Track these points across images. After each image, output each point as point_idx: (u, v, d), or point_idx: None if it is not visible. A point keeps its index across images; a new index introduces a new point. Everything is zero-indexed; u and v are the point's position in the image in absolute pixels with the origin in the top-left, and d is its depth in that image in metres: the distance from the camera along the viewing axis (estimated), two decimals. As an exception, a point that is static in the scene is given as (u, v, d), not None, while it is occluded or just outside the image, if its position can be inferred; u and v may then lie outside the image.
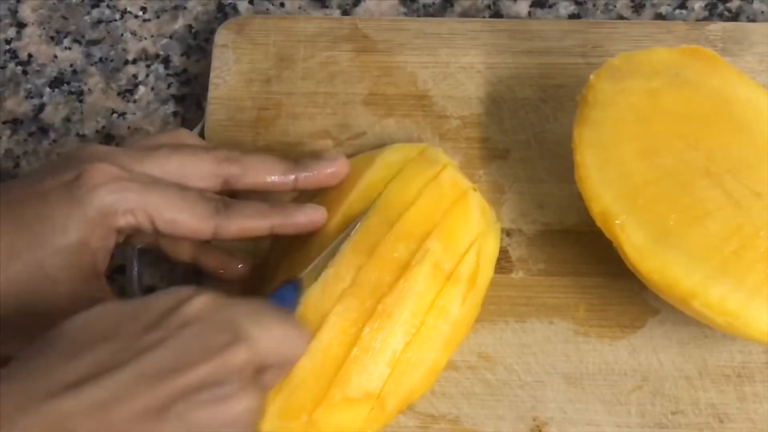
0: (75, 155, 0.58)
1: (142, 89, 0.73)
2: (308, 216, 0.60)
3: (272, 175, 0.61)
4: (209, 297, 0.49)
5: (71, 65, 0.73)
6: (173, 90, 0.73)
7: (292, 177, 0.61)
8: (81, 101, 0.72)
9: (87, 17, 0.75)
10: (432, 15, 0.75)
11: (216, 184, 0.60)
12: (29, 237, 0.55)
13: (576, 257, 0.64)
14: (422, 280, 0.59)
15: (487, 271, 0.62)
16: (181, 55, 0.74)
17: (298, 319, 0.55)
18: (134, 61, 0.74)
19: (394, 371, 0.58)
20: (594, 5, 0.74)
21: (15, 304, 0.55)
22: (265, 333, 0.49)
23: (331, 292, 0.58)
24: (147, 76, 0.73)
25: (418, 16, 0.74)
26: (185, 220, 0.57)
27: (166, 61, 0.74)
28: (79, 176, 0.55)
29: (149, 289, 0.66)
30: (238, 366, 0.47)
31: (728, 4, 0.74)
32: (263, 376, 0.49)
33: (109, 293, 0.57)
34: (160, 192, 0.57)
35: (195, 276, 0.66)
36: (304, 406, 0.57)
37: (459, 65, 0.70)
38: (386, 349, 0.58)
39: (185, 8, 0.76)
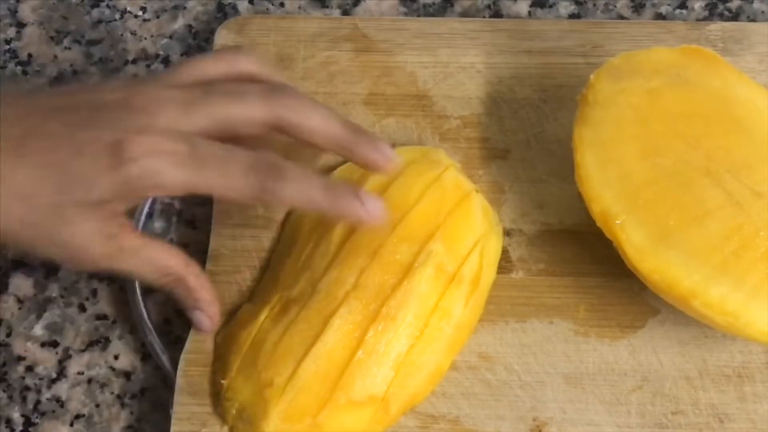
0: (122, 102, 0.55)
1: (142, 89, 0.72)
2: (368, 211, 0.56)
3: (329, 138, 0.57)
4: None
5: (71, 65, 0.73)
6: (173, 90, 0.73)
7: (347, 144, 0.57)
8: (81, 101, 0.72)
9: (87, 17, 0.75)
10: (432, 15, 0.75)
11: (267, 131, 0.57)
12: (54, 188, 0.53)
13: (576, 257, 0.64)
14: (425, 282, 0.59)
15: (490, 272, 0.62)
16: (181, 55, 0.74)
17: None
18: (134, 61, 0.74)
19: (398, 374, 0.58)
20: (594, 5, 0.74)
21: (27, 240, 0.55)
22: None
23: (334, 295, 0.59)
24: (147, 76, 0.73)
25: (418, 16, 0.74)
26: (226, 194, 0.55)
27: (166, 61, 0.74)
28: (120, 144, 0.53)
29: (149, 289, 0.66)
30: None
31: (728, 4, 0.74)
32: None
33: (126, 226, 0.56)
34: (203, 169, 0.54)
35: (195, 276, 0.66)
36: (309, 409, 0.57)
37: (459, 65, 0.70)
38: (390, 352, 0.58)
39: (185, 8, 0.76)
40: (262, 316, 0.60)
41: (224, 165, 0.54)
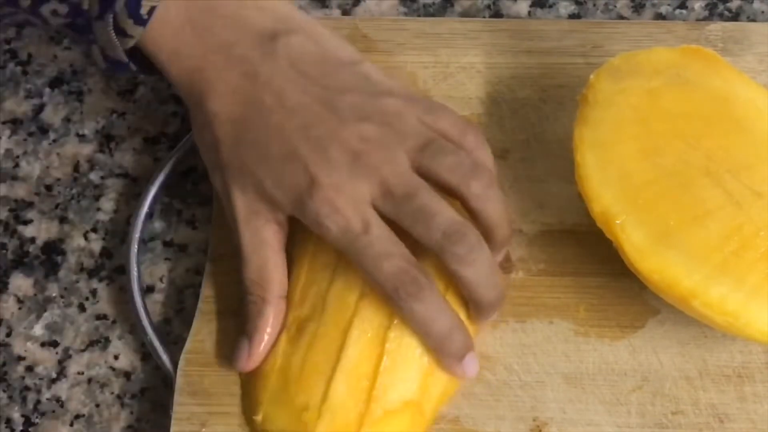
0: (356, 154, 0.58)
1: (141, 89, 0.72)
2: (462, 372, 0.59)
3: (493, 236, 0.60)
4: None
5: (71, 65, 0.73)
6: (173, 90, 0.72)
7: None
8: (81, 101, 0.72)
9: (87, 17, 0.75)
10: (432, 15, 0.74)
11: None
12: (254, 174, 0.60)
13: (576, 257, 0.64)
14: (432, 275, 0.59)
15: None
16: (181, 55, 0.74)
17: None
18: (134, 61, 0.73)
19: (424, 374, 0.58)
20: (594, 5, 0.74)
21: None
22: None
23: (346, 305, 0.59)
24: (147, 76, 0.73)
25: (418, 16, 0.74)
26: (364, 277, 0.58)
27: (166, 61, 0.74)
28: (312, 183, 0.58)
29: (149, 289, 0.66)
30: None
31: (728, 4, 0.74)
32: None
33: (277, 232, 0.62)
34: (358, 251, 0.57)
35: (196, 273, 0.66)
36: (348, 426, 0.57)
37: (459, 65, 0.70)
38: (413, 354, 0.58)
39: (185, 8, 0.75)
40: (282, 341, 0.60)
41: (377, 261, 0.57)
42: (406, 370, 0.58)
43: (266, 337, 0.60)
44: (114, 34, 0.60)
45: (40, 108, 0.72)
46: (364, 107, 0.60)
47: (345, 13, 0.75)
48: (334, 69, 0.62)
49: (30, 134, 0.72)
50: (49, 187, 0.70)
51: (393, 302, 0.57)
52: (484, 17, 0.74)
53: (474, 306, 0.59)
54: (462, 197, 0.59)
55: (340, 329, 0.58)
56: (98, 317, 0.66)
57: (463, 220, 0.58)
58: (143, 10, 0.59)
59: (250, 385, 0.61)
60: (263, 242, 0.60)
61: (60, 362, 0.65)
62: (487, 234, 0.59)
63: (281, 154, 0.59)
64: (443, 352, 0.58)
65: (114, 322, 0.66)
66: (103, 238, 0.68)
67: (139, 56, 0.62)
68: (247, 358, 0.60)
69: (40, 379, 0.65)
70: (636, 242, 0.57)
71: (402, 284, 0.57)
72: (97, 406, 0.64)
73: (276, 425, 0.59)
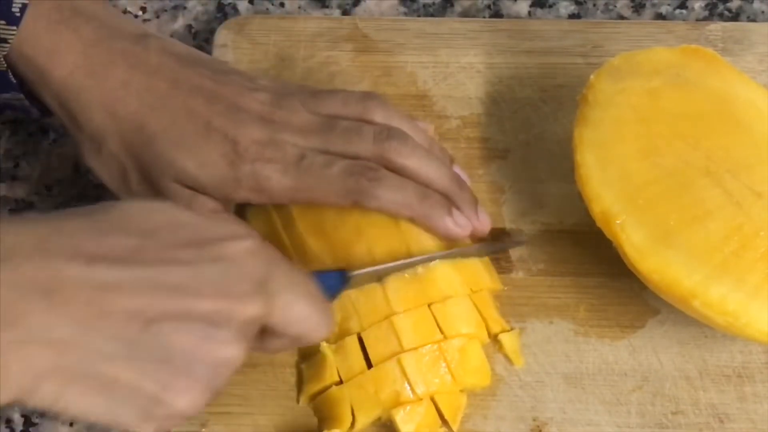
0: (264, 112, 0.59)
1: (142, 89, 0.72)
2: (459, 226, 0.60)
3: (434, 185, 0.60)
4: (257, 245, 0.49)
5: (71, 65, 0.73)
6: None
7: (451, 196, 0.61)
8: (81, 101, 0.72)
9: (87, 17, 0.75)
10: (432, 15, 0.74)
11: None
12: (177, 141, 0.59)
13: (576, 257, 0.64)
14: None
15: None
16: (181, 55, 0.74)
17: (333, 308, 0.55)
18: (134, 61, 0.73)
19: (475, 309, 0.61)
20: (594, 5, 0.74)
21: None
22: (290, 303, 0.49)
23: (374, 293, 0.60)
24: (147, 76, 0.73)
25: (418, 16, 0.74)
26: (326, 198, 0.59)
27: (166, 61, 0.74)
28: (239, 145, 0.58)
29: (149, 289, 0.66)
30: (242, 319, 0.47)
31: (728, 4, 0.74)
32: (269, 339, 0.50)
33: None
34: (306, 176, 0.58)
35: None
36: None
37: (459, 65, 0.70)
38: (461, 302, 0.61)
39: (185, 8, 0.76)
40: (329, 355, 0.60)
41: (325, 171, 0.58)
42: (460, 315, 0.60)
43: None
44: None
45: (40, 108, 0.72)
46: (251, 85, 0.61)
47: (345, 13, 0.75)
48: (207, 59, 0.62)
49: (30, 134, 0.72)
50: (49, 187, 0.70)
51: (358, 200, 0.58)
52: (484, 17, 0.74)
53: (441, 197, 0.60)
54: (387, 164, 0.59)
55: (384, 314, 0.59)
56: (98, 317, 0.66)
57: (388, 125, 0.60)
58: (15, 8, 0.58)
59: (324, 410, 0.60)
60: (214, 213, 0.59)
61: (60, 362, 0.65)
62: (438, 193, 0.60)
63: (196, 133, 0.59)
64: (426, 215, 0.59)
65: (114, 322, 0.66)
66: (103, 238, 0.68)
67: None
68: None
69: (40, 379, 0.65)
70: (636, 242, 0.57)
71: (356, 178, 0.58)
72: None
73: (370, 417, 0.59)
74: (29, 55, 0.59)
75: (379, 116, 0.61)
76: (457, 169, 0.63)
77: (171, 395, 0.46)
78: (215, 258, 0.47)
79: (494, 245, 0.64)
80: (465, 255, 0.61)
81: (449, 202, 0.60)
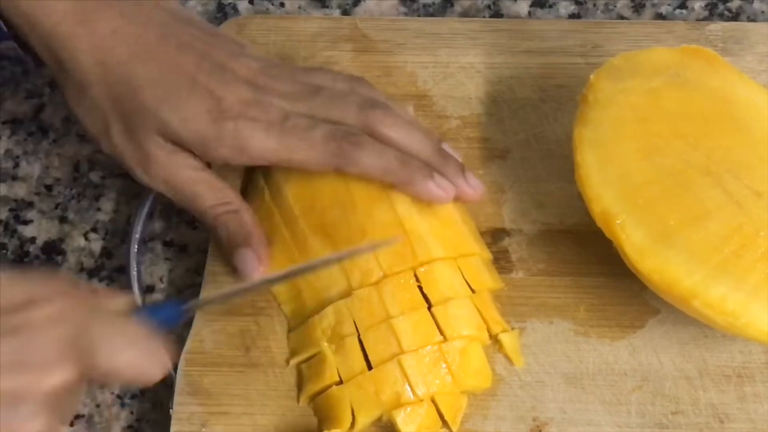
0: (250, 75, 0.60)
1: (142, 89, 0.72)
2: (443, 189, 0.60)
3: (417, 156, 0.60)
4: (63, 306, 0.46)
5: (71, 65, 0.73)
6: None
7: (436, 166, 0.61)
8: (81, 101, 0.72)
9: (87, 17, 0.75)
10: (432, 15, 0.75)
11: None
12: (160, 98, 0.59)
13: (576, 257, 0.64)
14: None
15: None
16: (181, 55, 0.74)
17: (165, 342, 0.51)
18: (134, 61, 0.73)
19: (476, 308, 0.61)
20: (594, 5, 0.75)
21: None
22: (112, 354, 0.47)
23: (370, 295, 0.60)
24: (147, 76, 0.73)
25: (418, 16, 0.74)
26: (306, 161, 0.59)
27: (166, 61, 0.74)
28: (223, 101, 0.58)
29: (149, 288, 0.66)
30: (47, 390, 0.45)
31: (728, 4, 0.74)
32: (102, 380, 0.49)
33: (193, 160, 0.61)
34: (288, 137, 0.58)
35: (196, 273, 0.66)
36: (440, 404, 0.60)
37: (459, 65, 0.70)
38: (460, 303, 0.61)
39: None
40: (328, 356, 0.60)
41: (307, 133, 0.58)
42: (461, 316, 0.60)
43: (262, 236, 0.61)
44: None
45: (40, 108, 0.72)
46: (241, 51, 0.61)
47: (345, 13, 0.75)
48: (199, 20, 0.62)
49: (30, 134, 0.72)
50: (49, 187, 0.70)
51: (339, 164, 0.58)
52: (484, 17, 0.74)
53: (422, 163, 0.60)
54: (370, 134, 0.60)
55: (380, 318, 0.59)
56: (98, 317, 0.66)
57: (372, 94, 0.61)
58: None
59: (325, 410, 0.60)
60: (194, 170, 0.60)
61: (60, 362, 0.65)
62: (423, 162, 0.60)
63: (181, 87, 0.59)
64: (408, 179, 0.59)
65: (114, 322, 0.66)
66: (103, 238, 0.68)
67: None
68: (256, 261, 0.60)
69: (40, 379, 0.65)
70: (636, 242, 0.57)
71: (338, 142, 0.58)
72: (98, 406, 0.64)
73: (371, 417, 0.59)
74: (19, 3, 0.59)
75: (365, 94, 0.61)
76: (446, 146, 0.63)
77: None
78: (13, 330, 0.45)
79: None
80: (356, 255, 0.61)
81: (431, 168, 0.60)
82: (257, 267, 0.61)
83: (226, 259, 0.63)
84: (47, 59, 0.60)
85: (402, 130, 0.60)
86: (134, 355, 0.48)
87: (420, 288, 0.60)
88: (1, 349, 0.44)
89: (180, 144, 0.59)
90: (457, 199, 0.61)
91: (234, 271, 0.62)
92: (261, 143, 0.58)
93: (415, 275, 0.60)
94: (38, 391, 0.45)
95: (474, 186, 0.62)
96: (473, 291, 0.61)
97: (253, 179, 0.64)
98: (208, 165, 0.62)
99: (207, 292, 0.63)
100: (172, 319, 0.54)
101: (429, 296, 0.60)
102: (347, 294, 0.60)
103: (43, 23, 0.59)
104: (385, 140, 0.60)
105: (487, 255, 0.63)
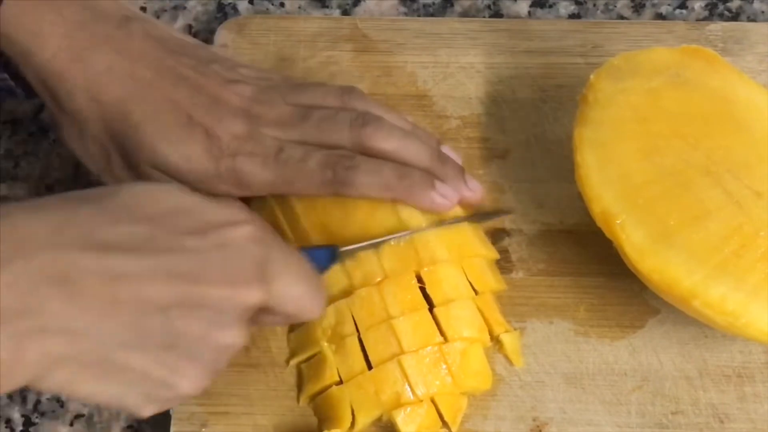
0: (244, 104, 0.60)
1: (142, 89, 0.72)
2: (445, 197, 0.60)
3: (417, 164, 0.61)
4: (256, 229, 0.50)
5: (71, 65, 0.73)
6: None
7: (435, 172, 0.61)
8: (81, 101, 0.72)
9: (87, 17, 0.75)
10: (432, 15, 0.75)
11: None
12: (162, 131, 0.59)
13: (576, 257, 0.64)
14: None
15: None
16: (181, 55, 0.74)
17: (324, 283, 0.56)
18: (134, 61, 0.73)
19: (477, 309, 0.61)
20: (594, 5, 0.74)
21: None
22: (287, 284, 0.50)
23: (371, 295, 0.60)
24: (147, 76, 0.73)
25: (418, 16, 0.74)
26: (306, 189, 0.59)
27: (166, 61, 0.73)
28: (221, 140, 0.59)
29: (149, 289, 0.66)
30: (246, 305, 0.48)
31: (728, 4, 0.74)
32: (264, 315, 0.51)
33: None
34: (285, 169, 0.59)
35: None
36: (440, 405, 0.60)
37: (459, 65, 0.70)
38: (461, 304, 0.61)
39: (185, 8, 0.76)
40: (328, 356, 0.60)
41: (303, 164, 0.59)
42: (463, 318, 0.60)
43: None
44: None
45: (40, 108, 0.72)
46: (232, 75, 0.61)
47: (345, 13, 0.75)
48: (190, 46, 0.62)
49: (30, 134, 0.72)
50: (49, 187, 0.70)
51: (337, 189, 0.59)
52: (484, 17, 0.74)
53: (421, 172, 0.60)
54: (365, 151, 0.60)
55: (381, 318, 0.59)
56: (98, 317, 0.66)
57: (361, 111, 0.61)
58: None
59: (324, 410, 0.60)
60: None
61: (60, 362, 0.65)
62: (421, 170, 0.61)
63: (179, 125, 0.59)
64: (408, 193, 0.60)
65: (114, 322, 0.66)
66: (103, 238, 0.68)
67: None
68: None
69: (40, 379, 0.65)
70: (636, 242, 0.57)
71: (333, 166, 0.59)
72: (97, 406, 0.64)
73: (369, 418, 0.59)
74: (12, 35, 0.59)
75: (358, 107, 0.61)
76: (446, 149, 0.63)
77: (177, 379, 0.47)
78: (219, 245, 0.48)
79: (483, 215, 0.64)
80: (456, 223, 0.61)
81: (431, 176, 0.60)
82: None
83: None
84: (42, 93, 0.60)
85: (397, 141, 0.60)
86: (303, 289, 0.51)
87: (422, 289, 0.60)
88: (212, 262, 0.47)
89: (180, 180, 0.59)
90: (457, 202, 0.62)
91: None
92: (259, 177, 0.59)
93: (419, 276, 0.60)
94: (240, 305, 0.48)
95: (474, 189, 0.62)
96: (476, 292, 0.61)
97: None
98: None
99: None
100: (325, 262, 0.58)
101: (432, 297, 0.60)
102: (348, 293, 0.60)
103: (37, 56, 0.59)
104: (381, 154, 0.60)
105: (493, 256, 0.63)
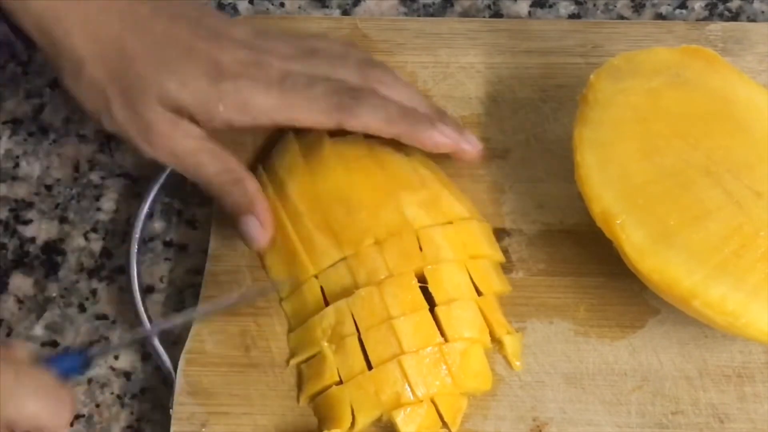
0: (246, 38, 0.61)
1: (142, 89, 0.72)
2: (447, 137, 0.61)
3: (416, 106, 0.62)
4: None
5: (71, 65, 0.73)
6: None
7: (433, 128, 0.61)
8: (81, 101, 0.72)
9: (87, 17, 0.75)
10: (432, 15, 0.75)
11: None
12: (156, 66, 0.59)
13: (576, 257, 0.64)
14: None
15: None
16: (181, 55, 0.74)
17: (71, 393, 0.52)
18: (134, 61, 0.73)
19: (479, 311, 0.61)
20: (594, 5, 0.74)
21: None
22: (19, 405, 0.48)
23: (371, 295, 0.60)
24: (147, 76, 0.73)
25: (418, 16, 0.74)
26: (308, 118, 0.59)
27: (166, 61, 0.73)
28: (222, 64, 0.59)
29: (149, 288, 0.66)
30: None
31: (728, 4, 0.74)
32: None
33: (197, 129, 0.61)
34: (289, 95, 0.59)
35: (196, 273, 0.66)
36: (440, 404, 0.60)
37: (459, 65, 0.70)
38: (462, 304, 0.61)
39: (185, 8, 0.76)
40: (329, 356, 0.60)
41: (308, 90, 0.59)
42: (464, 318, 0.60)
43: (266, 203, 0.61)
44: None
45: (40, 108, 0.72)
46: (233, 20, 0.62)
47: (345, 13, 0.75)
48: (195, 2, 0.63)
49: (30, 134, 0.72)
50: (49, 187, 0.70)
51: (340, 118, 0.59)
52: (484, 17, 0.74)
53: (423, 113, 0.61)
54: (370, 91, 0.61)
55: (381, 319, 0.59)
56: (98, 317, 0.66)
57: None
58: None
59: (324, 410, 0.60)
60: (197, 139, 0.60)
61: (60, 362, 0.65)
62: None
63: (179, 54, 0.59)
64: (411, 129, 0.60)
65: (114, 322, 0.66)
66: (103, 238, 0.68)
67: None
68: (261, 229, 0.60)
69: (40, 379, 0.64)
70: (636, 242, 0.57)
71: (339, 96, 0.59)
72: (97, 406, 0.64)
73: (369, 418, 0.59)
74: None
75: (361, 55, 0.63)
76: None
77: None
78: None
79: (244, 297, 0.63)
80: (228, 307, 0.61)
81: (433, 119, 0.61)
82: (261, 233, 0.61)
83: (226, 258, 0.63)
84: (40, 41, 0.60)
85: (402, 87, 0.62)
86: (41, 405, 0.49)
87: (424, 288, 0.60)
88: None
89: (181, 110, 0.59)
90: (456, 156, 0.62)
91: (240, 238, 0.62)
92: (262, 101, 0.59)
93: (422, 274, 0.60)
94: None
95: (472, 143, 0.62)
96: (480, 293, 0.61)
97: (256, 174, 0.64)
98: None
99: (207, 291, 0.63)
100: (74, 369, 0.54)
101: (434, 295, 0.60)
102: (351, 292, 0.60)
103: (34, 4, 0.58)
104: (386, 97, 0.61)
105: (499, 257, 0.63)
